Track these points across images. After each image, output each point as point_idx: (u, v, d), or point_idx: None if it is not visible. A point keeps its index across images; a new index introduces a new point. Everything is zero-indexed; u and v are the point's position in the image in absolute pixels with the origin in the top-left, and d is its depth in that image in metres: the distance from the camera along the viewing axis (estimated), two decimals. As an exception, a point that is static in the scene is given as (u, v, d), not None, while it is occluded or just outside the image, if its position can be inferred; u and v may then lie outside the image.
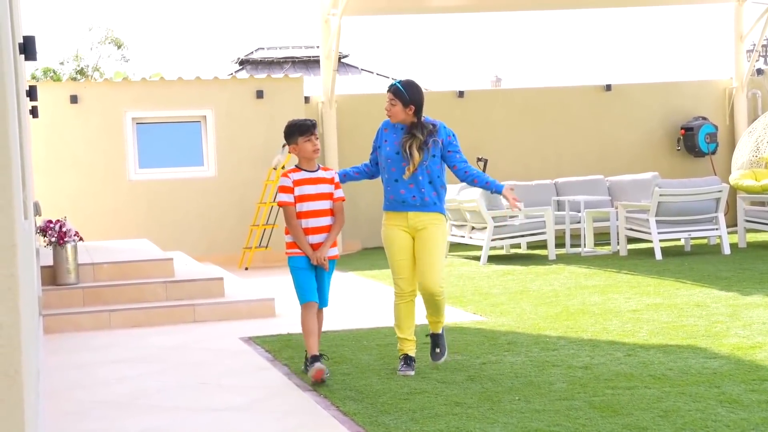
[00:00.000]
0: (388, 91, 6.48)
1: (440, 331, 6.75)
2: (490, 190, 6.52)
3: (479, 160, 14.86)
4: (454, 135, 6.55)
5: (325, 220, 6.43)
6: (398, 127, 6.49)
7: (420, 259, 6.45)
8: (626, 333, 7.59)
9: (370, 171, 6.74)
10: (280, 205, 6.39)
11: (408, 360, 6.52)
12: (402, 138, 6.44)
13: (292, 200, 6.36)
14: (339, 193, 6.49)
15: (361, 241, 16.34)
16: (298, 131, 6.38)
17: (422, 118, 6.47)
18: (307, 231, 6.38)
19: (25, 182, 4.97)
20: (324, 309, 6.65)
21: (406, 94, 6.41)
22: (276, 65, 26.84)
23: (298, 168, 6.44)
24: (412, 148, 6.38)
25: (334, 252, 6.54)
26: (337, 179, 6.50)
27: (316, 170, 6.46)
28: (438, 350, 6.74)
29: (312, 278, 6.42)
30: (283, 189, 6.37)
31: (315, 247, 6.39)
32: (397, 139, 6.46)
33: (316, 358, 6.34)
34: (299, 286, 6.43)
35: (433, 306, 6.62)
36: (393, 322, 6.66)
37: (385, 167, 6.51)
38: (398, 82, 6.48)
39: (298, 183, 6.37)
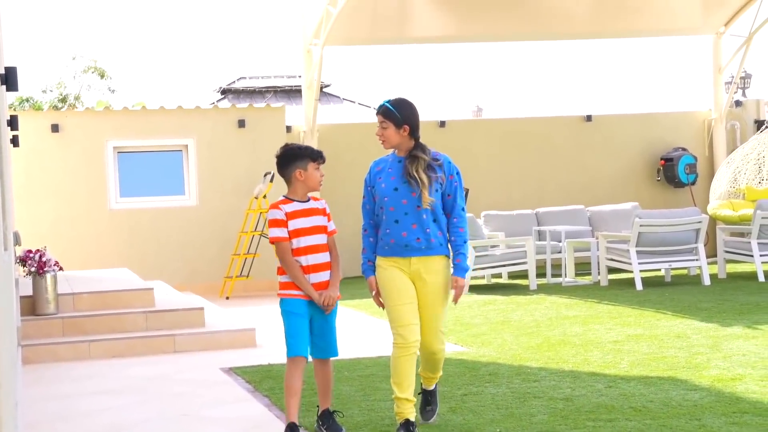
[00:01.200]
0: (378, 113, 5.67)
1: (433, 387, 5.98)
2: (453, 267, 5.61)
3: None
4: (459, 174, 5.71)
5: (324, 256, 5.63)
6: (393, 159, 5.67)
7: (422, 311, 5.61)
8: (607, 364, 7.60)
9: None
10: (273, 241, 5.55)
11: (409, 427, 5.53)
12: (404, 164, 5.60)
13: (287, 235, 5.55)
14: (332, 225, 5.74)
15: (342, 270, 16.30)
16: (310, 156, 5.60)
17: (419, 139, 5.70)
18: (308, 269, 5.57)
19: (6, 213, 4.95)
20: (333, 359, 5.77)
21: (398, 113, 5.62)
22: (258, 94, 26.90)
23: (289, 199, 5.63)
24: (419, 171, 5.55)
25: (335, 291, 5.76)
26: (328, 210, 5.77)
27: (308, 200, 5.69)
28: (429, 408, 5.98)
29: (306, 327, 5.59)
30: (275, 223, 5.55)
31: (317, 287, 5.59)
32: (395, 172, 5.61)
33: (293, 429, 5.51)
34: (291, 334, 5.55)
35: (432, 362, 5.82)
36: (391, 378, 5.60)
37: (383, 208, 5.59)
38: (387, 102, 5.67)
39: (292, 216, 5.57)
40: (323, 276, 5.62)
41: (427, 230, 5.55)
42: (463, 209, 5.65)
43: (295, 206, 5.61)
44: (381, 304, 5.63)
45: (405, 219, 5.54)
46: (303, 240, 5.57)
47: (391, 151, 5.77)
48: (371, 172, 5.73)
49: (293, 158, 5.61)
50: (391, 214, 5.57)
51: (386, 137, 5.66)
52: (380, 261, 5.65)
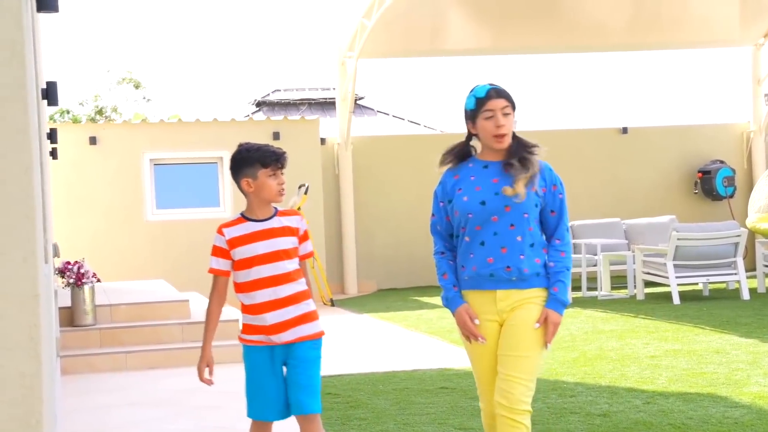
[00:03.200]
0: (500, 95, 4.25)
1: None
2: (548, 298, 4.24)
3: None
4: (562, 185, 4.35)
5: (292, 287, 4.33)
6: (475, 165, 4.36)
7: (503, 356, 4.20)
8: (645, 380, 7.53)
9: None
10: (210, 272, 4.38)
11: None
12: (502, 166, 4.29)
13: (225, 269, 4.35)
14: (308, 246, 4.44)
15: (376, 282, 16.32)
16: (260, 161, 4.30)
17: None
18: (264, 307, 4.30)
19: (46, 226, 5.00)
20: (317, 414, 4.36)
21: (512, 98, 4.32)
22: (292, 107, 27.00)
23: (243, 217, 4.38)
24: (531, 161, 4.29)
25: (313, 329, 4.38)
26: (305, 227, 4.44)
27: (271, 217, 4.36)
28: None
29: (270, 383, 4.34)
30: (213, 251, 4.37)
31: (272, 330, 4.30)
32: (480, 181, 4.28)
33: None
34: (249, 392, 4.41)
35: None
36: None
37: (465, 227, 4.26)
38: (491, 85, 4.32)
39: (238, 242, 4.31)
40: (291, 312, 4.32)
41: (521, 257, 4.20)
42: (567, 230, 4.33)
43: (246, 228, 4.33)
44: (476, 335, 4.22)
45: (493, 241, 4.21)
46: (257, 271, 4.29)
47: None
48: (445, 182, 4.40)
49: (241, 163, 4.35)
50: (477, 234, 4.25)
51: (510, 128, 4.31)
52: (465, 297, 4.33)
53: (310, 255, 4.47)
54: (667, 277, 12.65)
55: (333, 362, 8.61)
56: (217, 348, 9.41)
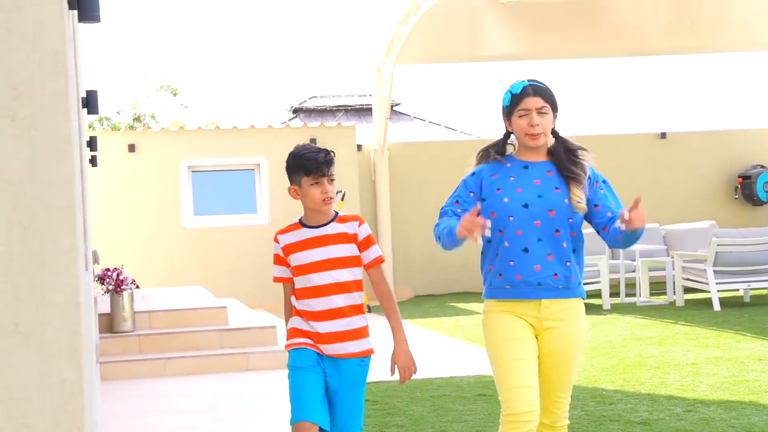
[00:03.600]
0: (535, 93, 4.03)
1: None
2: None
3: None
4: (606, 182, 4.16)
5: (344, 299, 4.10)
6: (514, 165, 4.10)
7: (545, 373, 4.02)
8: (685, 387, 7.45)
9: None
10: (275, 281, 4.28)
11: None
12: (555, 164, 4.08)
13: (286, 275, 4.19)
14: (372, 252, 4.15)
15: (413, 288, 16.31)
16: (303, 169, 4.08)
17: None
18: (312, 315, 4.12)
19: (86, 233, 5.04)
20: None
21: (552, 94, 4.10)
22: (329, 113, 27.07)
23: (299, 224, 4.19)
24: (581, 164, 4.05)
25: (362, 346, 4.19)
26: (366, 232, 4.15)
27: (328, 223, 4.15)
28: None
29: (319, 385, 4.12)
30: (275, 259, 4.25)
31: (325, 339, 4.11)
32: (520, 182, 4.04)
33: None
34: (295, 395, 4.12)
35: None
36: None
37: (503, 231, 4.00)
38: (529, 81, 4.09)
39: (293, 248, 4.14)
40: (341, 325, 4.10)
41: (568, 263, 3.98)
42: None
43: (301, 234, 4.15)
44: (481, 226, 3.76)
45: (538, 247, 3.95)
46: (310, 278, 4.11)
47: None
48: (482, 175, 4.13)
49: (288, 171, 4.18)
50: (518, 240, 3.98)
51: (546, 127, 4.04)
52: (492, 305, 4.08)
53: (378, 262, 4.16)
54: (707, 283, 12.52)
55: (370, 368, 8.59)
56: (255, 354, 9.47)
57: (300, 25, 62.10)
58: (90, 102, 5.18)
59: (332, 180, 4.08)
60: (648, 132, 17.39)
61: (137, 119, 31.08)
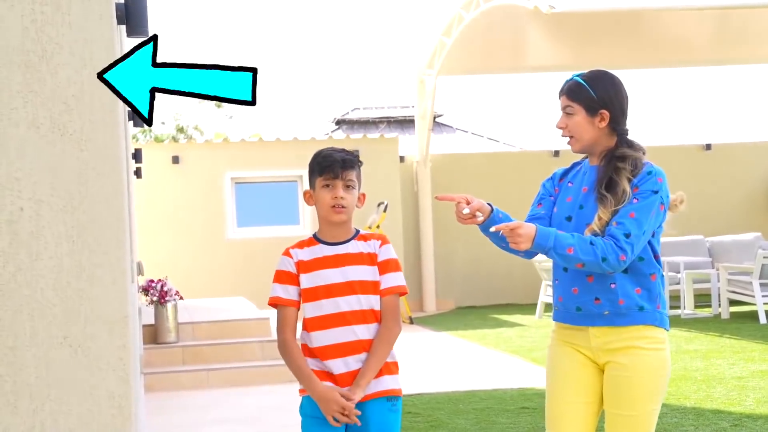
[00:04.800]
0: (561, 93, 3.57)
1: None
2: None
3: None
4: (648, 193, 3.52)
5: (360, 331, 3.40)
6: (585, 169, 3.60)
7: (609, 413, 3.48)
8: (732, 401, 7.35)
9: None
10: (272, 303, 3.50)
11: None
12: (598, 174, 3.51)
13: (294, 297, 3.45)
14: (393, 279, 3.45)
15: (454, 299, 16.26)
16: (317, 168, 3.49)
17: (626, 134, 3.60)
18: (322, 352, 3.40)
19: (132, 245, 5.08)
20: None
21: (592, 90, 3.49)
22: (371, 125, 27.13)
23: (314, 239, 3.53)
24: (619, 183, 3.43)
25: (391, 383, 3.45)
26: (387, 255, 3.47)
27: (348, 240, 3.49)
28: None
29: None
30: (278, 276, 3.51)
31: (339, 381, 3.38)
32: (575, 190, 3.57)
33: None
34: None
35: None
36: None
37: None
38: (577, 76, 3.58)
39: (305, 267, 3.47)
40: (353, 364, 3.39)
41: (612, 285, 3.41)
42: (627, 232, 3.39)
43: (316, 251, 3.48)
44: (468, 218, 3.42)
45: (576, 267, 3.41)
46: (324, 305, 3.40)
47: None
48: (555, 176, 3.72)
49: (309, 173, 3.58)
50: None
51: (574, 130, 3.52)
52: (555, 328, 3.64)
53: (396, 291, 3.44)
54: (752, 296, 12.36)
55: (413, 381, 8.59)
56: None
57: (343, 37, 62.34)
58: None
59: (349, 186, 3.42)
60: (693, 143, 17.23)
61: (180, 130, 31.36)
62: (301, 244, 3.52)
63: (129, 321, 2.63)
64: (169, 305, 9.60)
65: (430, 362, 10.32)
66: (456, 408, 7.50)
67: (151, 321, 9.76)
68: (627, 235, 3.34)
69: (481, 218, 3.41)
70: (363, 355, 3.37)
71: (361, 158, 3.54)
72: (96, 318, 2.59)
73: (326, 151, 3.48)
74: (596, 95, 3.48)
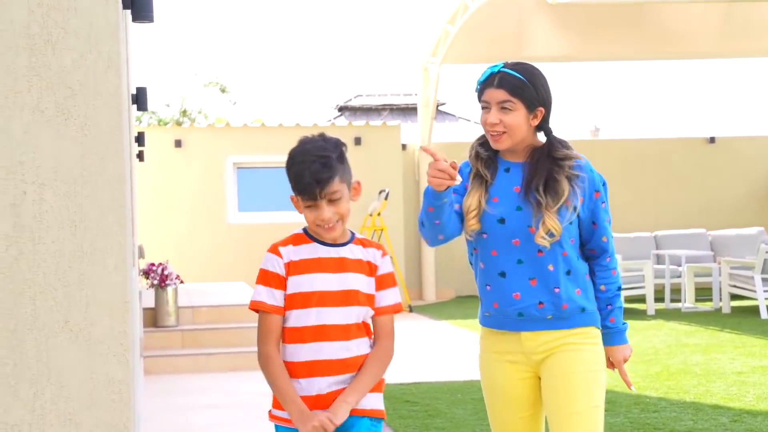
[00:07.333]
0: (495, 85, 3.21)
1: None
2: (606, 332, 3.36)
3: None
4: (605, 189, 3.35)
5: (351, 346, 2.99)
6: (501, 166, 3.31)
7: (552, 416, 3.26)
8: (731, 397, 7.35)
9: (454, 217, 3.26)
10: (252, 308, 3.01)
11: None
12: (526, 172, 3.26)
13: (280, 304, 2.97)
14: (392, 296, 3.06)
15: (455, 288, 16.26)
16: (293, 186, 3.05)
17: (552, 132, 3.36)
18: (297, 369, 2.96)
19: (133, 229, 5.08)
20: None
21: (533, 86, 3.25)
22: (374, 112, 27.11)
23: (306, 236, 3.08)
24: (559, 182, 3.22)
25: (373, 403, 3.02)
26: (387, 268, 3.07)
27: (346, 243, 3.08)
28: None
29: None
30: (264, 277, 3.01)
31: (323, 402, 2.94)
32: (501, 190, 3.26)
33: None
34: None
35: None
36: None
37: (478, 249, 3.31)
38: (504, 67, 3.27)
39: (296, 268, 2.99)
40: (338, 382, 2.97)
41: (556, 290, 3.24)
42: (610, 239, 3.33)
43: (311, 251, 3.03)
44: (451, 174, 3.05)
45: (518, 270, 3.23)
46: (316, 314, 2.96)
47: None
48: (464, 174, 3.33)
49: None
50: (493, 261, 3.26)
51: (510, 126, 3.21)
52: (482, 333, 3.45)
53: (394, 310, 3.06)
54: (754, 291, 12.35)
55: (411, 370, 8.59)
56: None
57: (347, 24, 62.23)
58: (139, 99, 5.23)
59: (334, 200, 2.98)
60: (696, 136, 17.20)
61: (184, 113, 31.34)
62: (292, 241, 3.04)
63: (130, 306, 2.63)
64: (170, 289, 9.61)
65: (428, 351, 10.32)
66: (454, 398, 7.50)
67: (151, 304, 9.77)
68: (610, 239, 3.33)
69: (455, 182, 3.07)
70: (346, 376, 2.96)
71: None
72: (97, 303, 2.59)
73: (297, 166, 2.99)
74: (537, 92, 3.25)
